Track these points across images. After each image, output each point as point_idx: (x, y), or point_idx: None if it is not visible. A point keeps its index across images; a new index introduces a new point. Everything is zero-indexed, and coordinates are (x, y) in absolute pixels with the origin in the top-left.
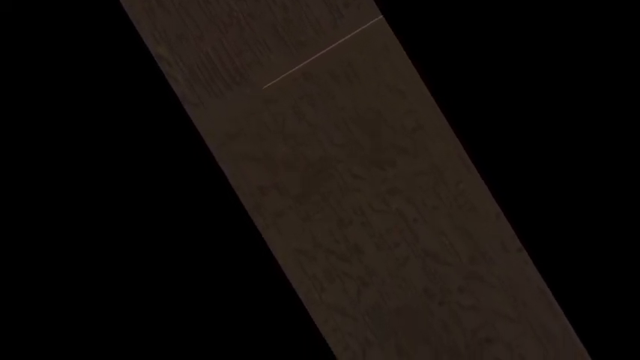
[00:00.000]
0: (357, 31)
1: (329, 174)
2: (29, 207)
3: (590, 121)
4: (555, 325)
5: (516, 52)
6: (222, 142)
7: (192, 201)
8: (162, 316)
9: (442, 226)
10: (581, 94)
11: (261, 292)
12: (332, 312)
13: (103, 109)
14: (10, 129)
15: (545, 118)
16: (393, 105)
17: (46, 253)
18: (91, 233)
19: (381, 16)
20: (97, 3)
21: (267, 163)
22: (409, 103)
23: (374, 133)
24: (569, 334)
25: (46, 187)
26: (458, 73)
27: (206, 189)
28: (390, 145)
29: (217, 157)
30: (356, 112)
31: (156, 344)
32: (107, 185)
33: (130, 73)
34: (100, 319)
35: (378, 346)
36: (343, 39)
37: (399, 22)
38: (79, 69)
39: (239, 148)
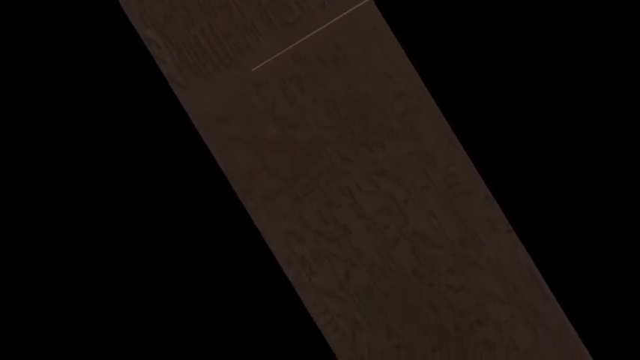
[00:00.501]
0: (346, 13)
1: (318, 156)
2: (23, 200)
3: (577, 105)
4: (545, 306)
5: (506, 34)
6: (211, 125)
7: (181, 185)
8: (152, 304)
9: (431, 208)
10: (569, 75)
11: (253, 277)
12: (321, 294)
13: (102, 106)
14: (10, 129)
15: (535, 100)
16: (382, 88)
17: (39, 250)
18: (77, 212)
19: None
20: (96, 3)
21: (256, 145)
22: (398, 86)
23: (363, 115)
24: (559, 315)
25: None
26: (447, 56)
27: (195, 172)
28: (379, 127)
29: (206, 139)
30: (345, 94)
31: (145, 327)
32: (97, 171)
33: (129, 72)
34: (94, 314)
35: (367, 328)
36: (331, 21)
37: (387, 4)
38: (75, 62)
39: (228, 130)
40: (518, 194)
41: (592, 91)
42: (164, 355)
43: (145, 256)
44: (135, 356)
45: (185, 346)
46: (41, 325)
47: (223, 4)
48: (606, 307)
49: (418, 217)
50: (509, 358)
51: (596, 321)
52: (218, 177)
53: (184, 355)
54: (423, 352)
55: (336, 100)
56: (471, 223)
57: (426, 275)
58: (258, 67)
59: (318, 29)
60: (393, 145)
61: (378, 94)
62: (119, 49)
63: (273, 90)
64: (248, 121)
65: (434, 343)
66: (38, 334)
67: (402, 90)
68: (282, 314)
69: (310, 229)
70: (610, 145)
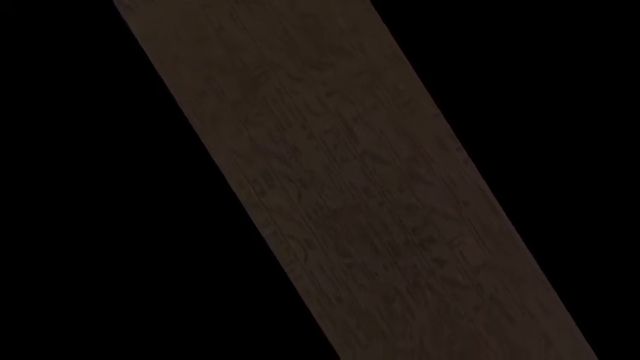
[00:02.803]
0: None
1: (267, 77)
2: (21, 197)
3: (573, 100)
4: (495, 222)
5: (501, 27)
6: (158, 47)
7: (179, 183)
8: (151, 302)
9: (381, 127)
10: (563, 68)
11: (250, 273)
12: (272, 215)
13: (102, 106)
14: (10, 129)
15: (534, 99)
16: (330, 7)
17: (37, 250)
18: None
19: None
20: (95, 3)
21: (204, 67)
22: (345, 6)
23: (311, 36)
24: (509, 231)
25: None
26: (446, 55)
27: (194, 172)
28: (327, 47)
29: (154, 62)
30: (293, 15)
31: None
32: (97, 171)
33: (129, 72)
34: (91, 313)
35: (319, 247)
36: None
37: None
38: (75, 62)
39: (176, 52)
40: (467, 112)
41: (588, 85)
42: (159, 350)
43: (141, 251)
44: (129, 352)
45: (183, 344)
46: (41, 325)
47: None
48: (555, 217)
49: (368, 136)
50: (459, 273)
51: (547, 236)
52: (217, 176)
53: (181, 352)
54: (374, 269)
55: (284, 20)
56: (420, 141)
57: (376, 194)
58: None
59: None
60: (341, 65)
61: (326, 14)
62: (119, 49)
63: (221, 12)
64: (196, 43)
65: (385, 260)
66: (38, 334)
67: (349, 9)
68: (280, 312)
69: (260, 150)
70: (608, 140)
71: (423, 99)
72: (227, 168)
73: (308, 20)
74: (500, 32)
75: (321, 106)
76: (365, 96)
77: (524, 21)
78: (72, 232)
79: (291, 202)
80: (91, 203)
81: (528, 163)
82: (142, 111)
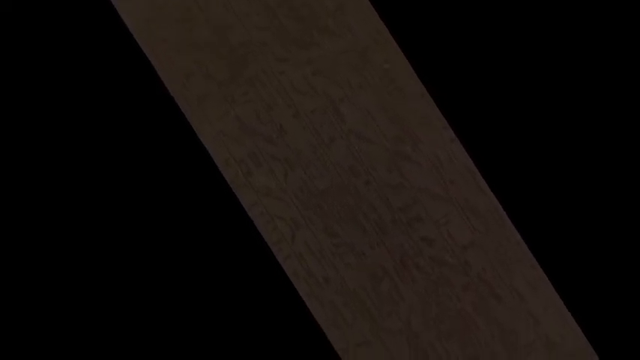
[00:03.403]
0: None
1: (254, 57)
2: (20, 196)
3: (570, 98)
4: (483, 202)
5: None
6: (145, 28)
7: (177, 182)
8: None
9: (368, 106)
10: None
11: (249, 271)
12: (259, 195)
13: (101, 106)
14: (10, 128)
15: (534, 98)
16: None
17: (35, 251)
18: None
19: None
20: (95, 3)
21: (191, 48)
22: None
23: (297, 15)
24: (497, 210)
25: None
26: (445, 55)
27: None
28: (313, 26)
29: (140, 43)
30: None
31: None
32: (97, 171)
33: (128, 72)
34: (90, 313)
35: (305, 227)
36: None
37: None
38: (77, 68)
39: (162, 33)
40: (454, 91)
41: (585, 84)
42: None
43: (139, 250)
44: (127, 351)
45: (180, 343)
46: (41, 325)
47: None
48: (544, 198)
49: (354, 116)
50: (447, 252)
51: (536, 215)
52: (215, 175)
53: (179, 350)
54: (362, 249)
55: (270, 0)
56: (407, 120)
57: (363, 173)
58: None
59: None
60: (327, 44)
61: None
62: (118, 50)
63: None
64: (182, 23)
65: (372, 240)
66: (38, 334)
67: None
68: (268, 292)
69: (247, 129)
70: (591, 118)
71: (409, 78)
72: (214, 148)
73: (294, 0)
74: (487, 10)
75: (307, 86)
76: (351, 75)
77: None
78: (55, 207)
79: (278, 182)
80: (77, 182)
81: (515, 142)
82: (130, 94)
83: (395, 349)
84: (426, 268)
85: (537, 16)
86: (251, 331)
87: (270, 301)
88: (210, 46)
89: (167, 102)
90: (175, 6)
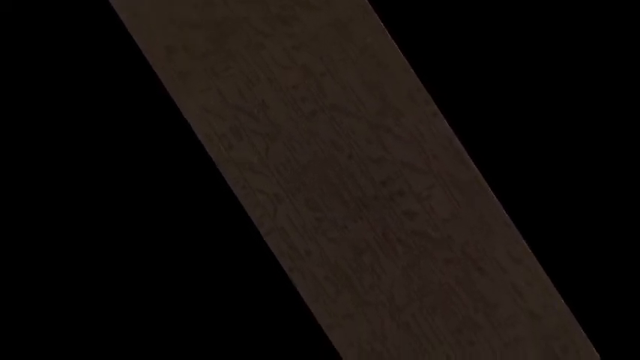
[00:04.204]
0: None
1: (234, 32)
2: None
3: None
4: (465, 175)
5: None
6: (126, 4)
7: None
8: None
9: (349, 80)
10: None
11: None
12: (241, 169)
13: (101, 106)
14: (10, 128)
15: (533, 97)
16: None
17: (35, 252)
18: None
19: None
20: (95, 3)
21: (172, 22)
22: None
23: None
24: (479, 183)
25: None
26: (444, 53)
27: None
28: (295, 1)
29: (123, 18)
30: None
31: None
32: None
33: (128, 72)
34: (90, 313)
35: (287, 201)
36: None
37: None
38: (77, 69)
39: (142, 9)
40: (436, 64)
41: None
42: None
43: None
44: (126, 349)
45: (179, 342)
46: (41, 325)
47: None
48: (578, 256)
49: (335, 90)
50: (429, 226)
51: (520, 187)
52: (214, 175)
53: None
54: (344, 223)
55: None
56: (388, 94)
57: (345, 147)
58: None
59: None
60: (308, 18)
61: None
62: (118, 50)
63: None
64: (162, 0)
65: (354, 214)
66: (38, 334)
67: None
68: (252, 267)
69: (228, 104)
70: (573, 96)
71: (390, 52)
72: (196, 122)
73: None
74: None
75: (288, 60)
76: (333, 50)
77: None
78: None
79: (260, 156)
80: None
81: (497, 114)
82: (138, 110)
83: (377, 322)
84: (409, 241)
85: (535, 14)
86: (234, 304)
87: (254, 275)
88: (191, 21)
89: (151, 79)
90: None
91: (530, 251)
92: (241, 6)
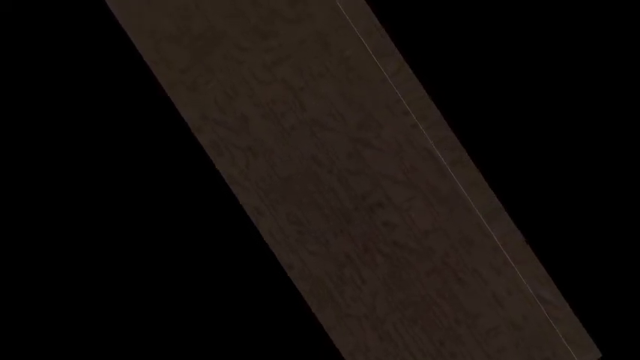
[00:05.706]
0: None
1: (214, 46)
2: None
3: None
4: (445, 186)
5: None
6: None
7: (176, 183)
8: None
9: (328, 94)
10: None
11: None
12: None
13: (100, 106)
14: (10, 128)
15: (533, 97)
16: None
17: (34, 253)
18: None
19: None
20: (95, 3)
21: (152, 37)
22: None
23: (257, 3)
24: (459, 194)
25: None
26: (443, 53)
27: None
28: (273, 14)
29: (131, 34)
30: None
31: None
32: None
33: (127, 72)
34: (90, 313)
35: (269, 215)
36: None
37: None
38: (77, 69)
39: (123, 22)
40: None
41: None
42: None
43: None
44: (125, 349)
45: (177, 342)
46: (41, 325)
47: None
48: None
49: (315, 104)
50: (410, 237)
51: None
52: (213, 174)
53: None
54: (325, 236)
55: None
56: (367, 107)
57: (325, 161)
58: None
59: None
60: (287, 32)
61: None
62: (117, 49)
63: None
64: (144, 14)
65: (335, 227)
66: (38, 334)
67: None
68: (232, 280)
69: (209, 119)
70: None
71: (369, 65)
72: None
73: None
74: None
75: (268, 75)
76: (311, 63)
77: None
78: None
79: (240, 171)
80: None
81: (497, 114)
82: (138, 110)
83: (360, 334)
84: (389, 253)
85: (533, 12)
86: (235, 310)
87: (253, 277)
88: (171, 35)
89: (150, 79)
90: None
91: (510, 261)
92: (221, 20)
